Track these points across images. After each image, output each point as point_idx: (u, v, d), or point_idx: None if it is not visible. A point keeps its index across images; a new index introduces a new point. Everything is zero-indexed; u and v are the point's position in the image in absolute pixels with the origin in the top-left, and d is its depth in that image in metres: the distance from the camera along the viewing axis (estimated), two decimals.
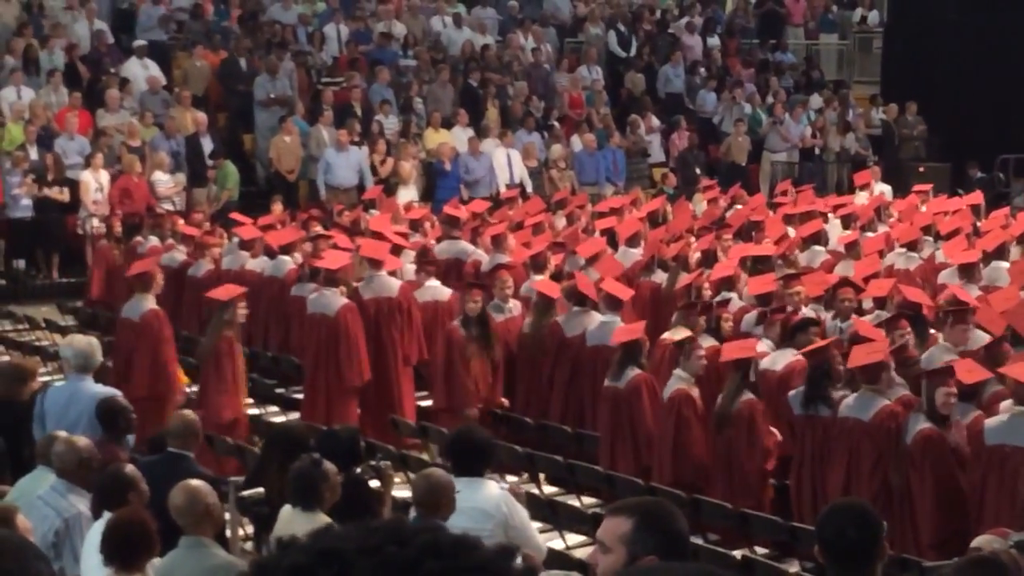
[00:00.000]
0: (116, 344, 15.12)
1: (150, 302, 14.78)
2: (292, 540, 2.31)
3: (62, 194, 22.40)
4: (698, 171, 26.89)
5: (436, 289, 16.05)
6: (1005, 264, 16.60)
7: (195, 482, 7.92)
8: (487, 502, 8.43)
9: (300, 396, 15.45)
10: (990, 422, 10.83)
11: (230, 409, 13.88)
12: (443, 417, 14.22)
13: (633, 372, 12.88)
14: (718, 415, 12.06)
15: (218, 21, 28.34)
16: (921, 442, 10.81)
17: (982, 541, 5.60)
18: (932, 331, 13.16)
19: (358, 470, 9.25)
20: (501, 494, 8.72)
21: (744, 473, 12.01)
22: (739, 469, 12.01)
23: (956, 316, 13.01)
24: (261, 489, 9.57)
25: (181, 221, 20.16)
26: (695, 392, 12.45)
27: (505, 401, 14.64)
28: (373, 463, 9.48)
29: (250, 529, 10.48)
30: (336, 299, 14.95)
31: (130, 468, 8.54)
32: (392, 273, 15.82)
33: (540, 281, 15.47)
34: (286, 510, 8.55)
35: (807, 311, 13.99)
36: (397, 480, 11.03)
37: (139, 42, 26.54)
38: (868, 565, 5.42)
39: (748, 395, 12.06)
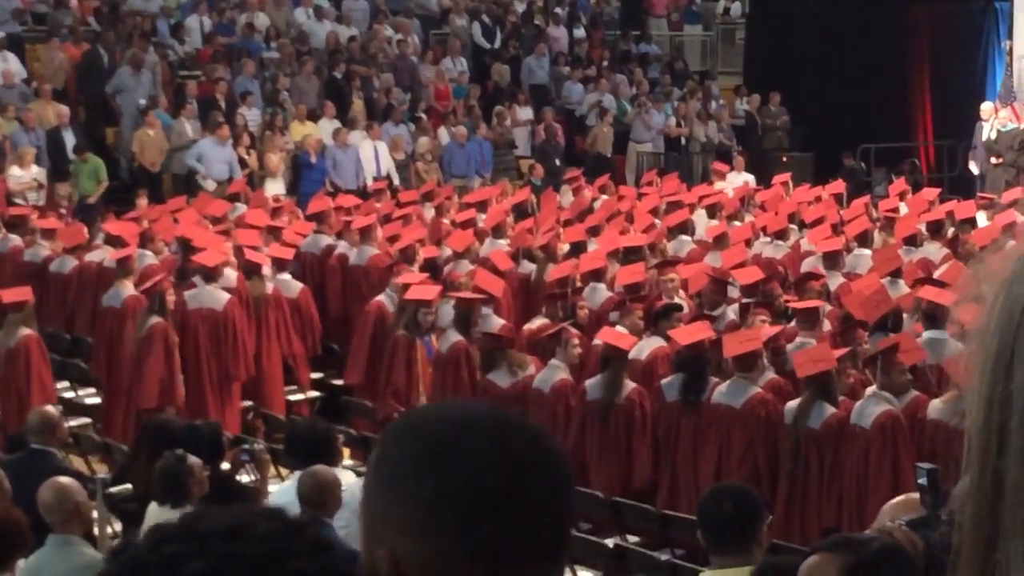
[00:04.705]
0: (98, 333, 14.99)
1: (130, 288, 14.74)
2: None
3: None
4: (558, 162, 26.91)
5: (289, 283, 15.93)
6: (867, 252, 16.83)
7: (64, 479, 7.80)
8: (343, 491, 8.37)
9: None
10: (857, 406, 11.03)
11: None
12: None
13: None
14: (604, 405, 12.01)
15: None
16: (835, 425, 10.96)
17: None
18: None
19: (242, 454, 9.19)
20: (356, 482, 8.69)
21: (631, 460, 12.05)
22: (624, 456, 12.04)
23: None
24: (129, 486, 9.45)
25: (36, 216, 19.75)
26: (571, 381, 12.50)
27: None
28: (247, 447, 9.41)
29: (118, 526, 10.32)
30: (221, 294, 14.80)
31: None
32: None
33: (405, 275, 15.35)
34: (153, 507, 8.45)
35: (680, 299, 14.07)
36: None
37: None
38: (745, 545, 5.37)
39: (632, 384, 12.09)
